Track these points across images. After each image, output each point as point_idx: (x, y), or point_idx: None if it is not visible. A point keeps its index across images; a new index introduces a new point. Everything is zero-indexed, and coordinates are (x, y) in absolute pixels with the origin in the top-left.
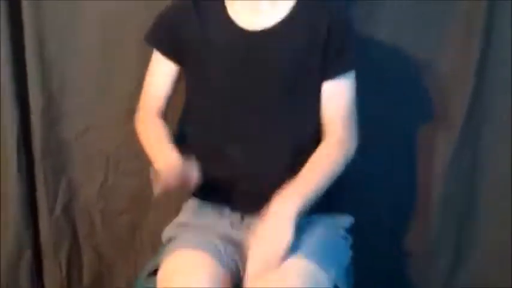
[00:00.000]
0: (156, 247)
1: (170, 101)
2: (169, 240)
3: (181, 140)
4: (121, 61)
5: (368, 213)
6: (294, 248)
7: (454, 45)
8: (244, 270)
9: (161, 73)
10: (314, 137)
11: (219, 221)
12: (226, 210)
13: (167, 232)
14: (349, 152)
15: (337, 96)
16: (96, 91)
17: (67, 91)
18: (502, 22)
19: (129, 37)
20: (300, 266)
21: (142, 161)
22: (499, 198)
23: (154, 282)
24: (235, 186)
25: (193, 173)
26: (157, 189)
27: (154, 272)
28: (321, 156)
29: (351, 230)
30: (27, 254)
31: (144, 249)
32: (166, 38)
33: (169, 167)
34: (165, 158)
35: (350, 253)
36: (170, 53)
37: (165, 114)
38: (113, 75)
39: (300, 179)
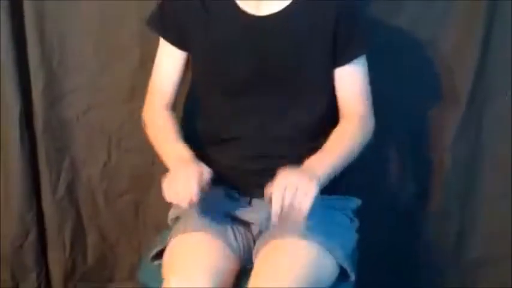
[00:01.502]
0: (160, 227)
1: (179, 88)
2: (176, 220)
3: (189, 128)
4: (122, 39)
5: (376, 196)
6: (301, 228)
7: (458, 25)
8: (253, 248)
9: (168, 62)
10: (323, 121)
11: (228, 202)
12: (235, 194)
13: (173, 212)
14: (369, 130)
15: (351, 80)
16: (97, 70)
17: (68, 70)
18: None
19: (130, 15)
20: (307, 247)
21: (144, 139)
22: (500, 180)
23: (160, 264)
24: (243, 170)
25: (206, 170)
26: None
27: (160, 254)
28: (342, 131)
29: (358, 213)
30: (31, 235)
31: (148, 229)
32: (171, 24)
33: (185, 198)
34: (177, 156)
35: (356, 236)
36: (176, 40)
37: (174, 103)
38: (113, 53)
39: (323, 151)
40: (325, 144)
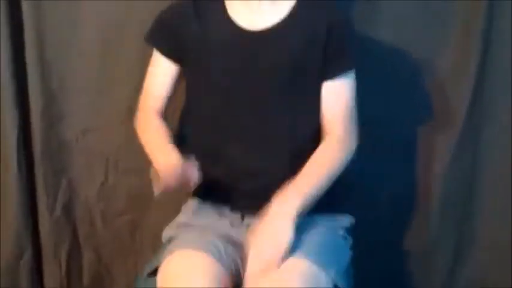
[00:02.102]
0: (156, 247)
1: (170, 101)
2: (170, 240)
3: (181, 140)
4: (121, 61)
5: (368, 213)
6: (294, 248)
7: (454, 45)
8: (244, 270)
9: (161, 73)
10: (314, 137)
11: (219, 221)
12: (226, 210)
13: (167, 232)
14: (349, 151)
15: (337, 96)
16: (96, 91)
17: (67, 91)
18: (502, 22)
19: (129, 37)
20: (300, 266)
21: (142, 161)
22: (498, 199)
23: (154, 283)
24: (235, 186)
25: (193, 173)
26: (157, 189)
27: (154, 272)
28: (321, 156)
29: (351, 230)
30: (27, 254)
31: (144, 249)
32: (166, 37)
33: (169, 168)
34: (165, 158)
35: (350, 253)
36: (170, 53)
37: (165, 114)
38: (113, 75)
39: (300, 178)
40: (304, 169)
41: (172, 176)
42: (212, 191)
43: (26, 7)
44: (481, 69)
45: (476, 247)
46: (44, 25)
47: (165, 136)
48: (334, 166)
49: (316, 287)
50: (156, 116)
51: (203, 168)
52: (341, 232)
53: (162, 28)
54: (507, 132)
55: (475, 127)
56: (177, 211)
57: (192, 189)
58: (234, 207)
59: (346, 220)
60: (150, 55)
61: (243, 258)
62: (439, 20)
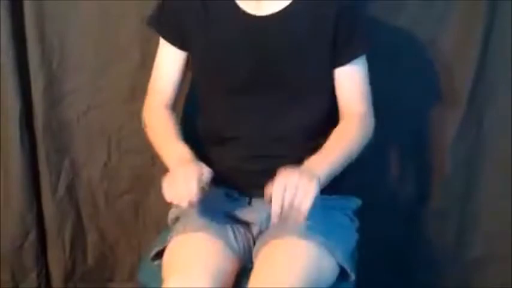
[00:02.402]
0: (160, 227)
1: (180, 88)
2: (176, 220)
3: (189, 127)
4: (122, 40)
5: (376, 195)
6: (301, 228)
7: (458, 25)
8: (252, 248)
9: (168, 62)
10: (323, 120)
11: (227, 202)
12: (235, 194)
13: (173, 212)
14: (369, 129)
15: (351, 80)
16: (97, 70)
17: (68, 71)
18: (504, 3)
19: (130, 15)
20: (307, 247)
21: (144, 140)
22: (500, 181)
23: (160, 264)
24: (243, 169)
25: (206, 170)
26: (169, 199)
27: (159, 254)
28: (343, 131)
29: (358, 213)
30: (31, 235)
31: (148, 229)
32: (172, 24)
33: (183, 198)
34: (177, 156)
35: (356, 236)
36: (176, 39)
37: (174, 103)
38: (113, 54)
39: (324, 150)
40: (325, 144)
41: (188, 203)
42: (220, 174)
43: None
44: (483, 50)
45: (478, 229)
46: (44, 3)
47: (174, 131)
48: (355, 142)
49: (323, 269)
50: (164, 107)
51: (211, 154)
52: (349, 214)
53: (166, 14)
54: (508, 114)
55: (478, 107)
56: None
57: (207, 185)
58: (242, 190)
59: (353, 202)
60: (151, 34)
61: (253, 237)
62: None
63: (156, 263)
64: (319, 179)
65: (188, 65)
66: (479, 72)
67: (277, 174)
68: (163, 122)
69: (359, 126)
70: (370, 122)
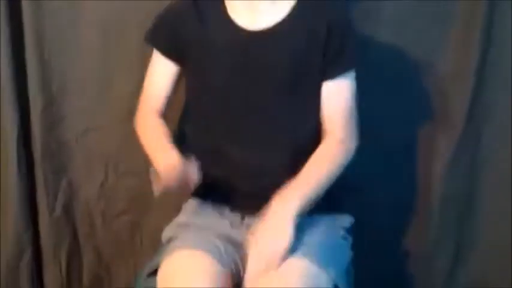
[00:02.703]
0: (156, 248)
1: (170, 101)
2: (169, 240)
3: (181, 140)
4: (121, 62)
5: (368, 213)
6: (294, 248)
7: (454, 45)
8: (244, 270)
9: (161, 73)
10: (314, 137)
11: (219, 221)
12: (226, 210)
13: (167, 232)
14: (349, 152)
15: (337, 96)
16: (96, 92)
17: (67, 92)
18: (502, 22)
19: (129, 37)
20: (300, 266)
21: (142, 162)
22: (499, 199)
23: (154, 282)
24: (235, 186)
25: (193, 173)
26: (157, 189)
27: (154, 272)
28: (321, 156)
29: (351, 230)
30: (27, 254)
31: (144, 249)
32: (166, 38)
33: (169, 168)
34: (165, 157)
35: (350, 253)
36: (170, 53)
37: (165, 114)
38: (113, 75)
39: (300, 179)
40: (303, 169)
41: (173, 176)
42: (212, 191)
43: (26, 7)
44: (481, 69)
45: (476, 248)
46: (44, 25)
47: (164, 136)
48: (334, 166)
49: (316, 287)
50: (155, 115)
51: (203, 168)
52: (341, 232)
53: (162, 28)
54: (507, 132)
55: (475, 127)
56: (177, 211)
57: (192, 190)
58: (234, 208)
59: (346, 220)
60: (150, 55)
61: (243, 258)
62: (439, 20)
63: (150, 280)
64: (296, 213)
65: (181, 78)
66: (477, 91)
67: (249, 242)
68: (154, 127)
69: (338, 150)
70: (350, 145)
